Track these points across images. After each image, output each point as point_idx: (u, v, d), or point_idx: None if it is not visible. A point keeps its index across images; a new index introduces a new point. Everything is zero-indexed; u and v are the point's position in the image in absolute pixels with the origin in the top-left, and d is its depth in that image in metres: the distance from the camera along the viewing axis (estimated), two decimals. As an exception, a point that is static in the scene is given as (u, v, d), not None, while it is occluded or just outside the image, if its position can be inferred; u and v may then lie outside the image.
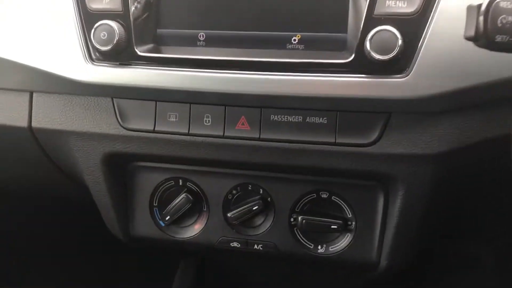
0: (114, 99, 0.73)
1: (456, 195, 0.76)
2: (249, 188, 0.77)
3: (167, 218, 0.80)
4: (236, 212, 0.77)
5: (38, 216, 1.22)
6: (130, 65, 0.68)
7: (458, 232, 1.08)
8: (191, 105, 0.70)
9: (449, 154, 0.64)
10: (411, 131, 0.64)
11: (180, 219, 0.80)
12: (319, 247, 0.76)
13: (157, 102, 0.72)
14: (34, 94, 0.77)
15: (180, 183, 0.80)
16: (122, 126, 0.73)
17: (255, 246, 0.78)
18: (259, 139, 0.69)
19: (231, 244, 0.79)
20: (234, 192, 0.78)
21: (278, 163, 0.70)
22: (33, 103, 0.77)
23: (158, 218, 0.82)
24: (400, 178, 0.67)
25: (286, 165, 0.70)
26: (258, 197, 0.77)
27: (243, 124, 0.69)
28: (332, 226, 0.74)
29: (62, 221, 1.27)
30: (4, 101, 0.79)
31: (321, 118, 0.66)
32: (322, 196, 0.74)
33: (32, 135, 0.79)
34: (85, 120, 0.75)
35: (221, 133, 0.70)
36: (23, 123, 0.78)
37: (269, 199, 0.76)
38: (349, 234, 0.75)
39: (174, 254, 1.01)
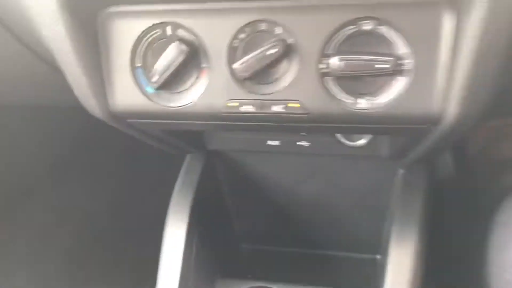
0: None
1: None
2: (262, 28, 0.56)
3: (154, 79, 0.60)
4: (246, 61, 0.57)
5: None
6: None
7: None
8: None
9: None
10: None
11: (173, 80, 0.60)
12: (361, 100, 0.56)
13: None
14: None
15: (169, 31, 0.59)
16: None
17: (274, 108, 0.59)
18: None
19: (241, 108, 0.60)
20: (241, 36, 0.57)
21: None
22: None
23: (144, 82, 0.62)
24: None
25: None
26: (275, 39, 0.56)
27: None
28: (380, 66, 0.53)
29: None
30: None
31: None
32: (364, 27, 0.54)
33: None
34: None
35: None
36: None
37: (290, 40, 0.56)
38: (403, 78, 0.54)
39: (175, 146, 0.83)
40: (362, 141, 0.77)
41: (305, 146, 0.82)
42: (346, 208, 0.95)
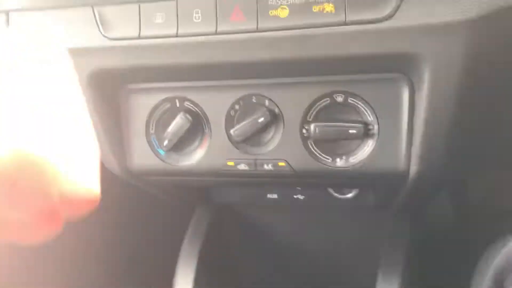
0: (94, 7, 0.65)
1: (491, 93, 0.64)
2: (253, 101, 0.68)
3: (165, 143, 0.72)
4: (240, 127, 0.67)
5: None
6: None
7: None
8: (178, 0, 0.62)
9: (487, 18, 0.53)
10: None
11: (180, 144, 0.72)
12: (338, 159, 0.66)
13: (141, 4, 0.63)
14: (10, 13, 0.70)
15: (177, 104, 0.71)
16: (104, 36, 0.65)
17: (265, 166, 0.69)
18: (257, 30, 0.59)
19: (237, 166, 0.70)
20: (236, 107, 0.68)
21: (280, 57, 0.60)
22: (9, 21, 0.70)
23: (157, 146, 0.73)
24: (425, 59, 0.56)
25: (290, 59, 0.60)
26: (264, 109, 0.67)
27: (237, 15, 0.60)
28: (351, 131, 0.63)
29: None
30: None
31: None
32: (337, 99, 0.64)
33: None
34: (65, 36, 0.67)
35: (214, 29, 0.61)
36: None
37: (276, 110, 0.67)
38: (371, 140, 0.64)
39: (185, 199, 0.93)
40: (351, 194, 0.86)
41: (301, 199, 0.91)
42: (347, 255, 1.02)
